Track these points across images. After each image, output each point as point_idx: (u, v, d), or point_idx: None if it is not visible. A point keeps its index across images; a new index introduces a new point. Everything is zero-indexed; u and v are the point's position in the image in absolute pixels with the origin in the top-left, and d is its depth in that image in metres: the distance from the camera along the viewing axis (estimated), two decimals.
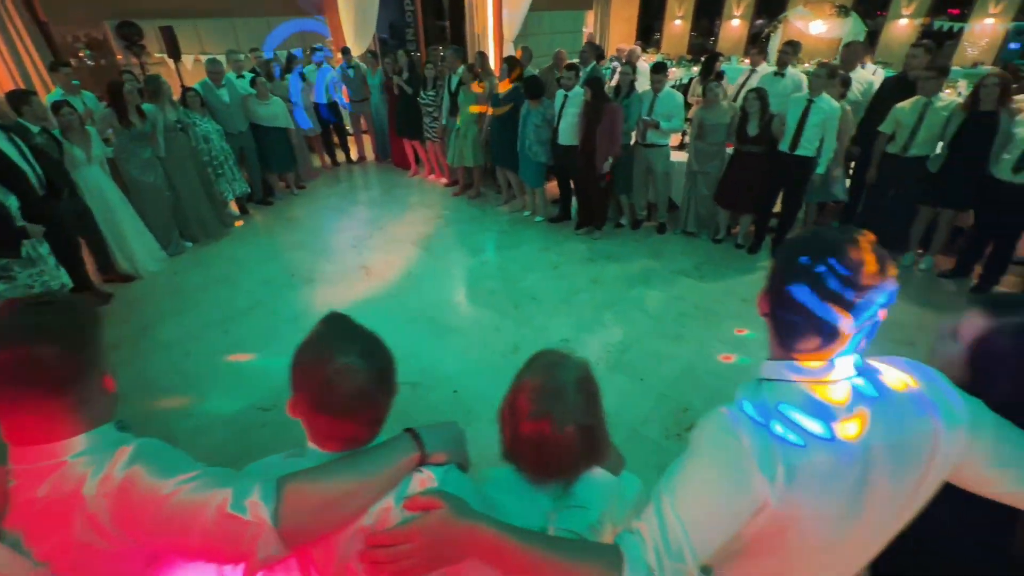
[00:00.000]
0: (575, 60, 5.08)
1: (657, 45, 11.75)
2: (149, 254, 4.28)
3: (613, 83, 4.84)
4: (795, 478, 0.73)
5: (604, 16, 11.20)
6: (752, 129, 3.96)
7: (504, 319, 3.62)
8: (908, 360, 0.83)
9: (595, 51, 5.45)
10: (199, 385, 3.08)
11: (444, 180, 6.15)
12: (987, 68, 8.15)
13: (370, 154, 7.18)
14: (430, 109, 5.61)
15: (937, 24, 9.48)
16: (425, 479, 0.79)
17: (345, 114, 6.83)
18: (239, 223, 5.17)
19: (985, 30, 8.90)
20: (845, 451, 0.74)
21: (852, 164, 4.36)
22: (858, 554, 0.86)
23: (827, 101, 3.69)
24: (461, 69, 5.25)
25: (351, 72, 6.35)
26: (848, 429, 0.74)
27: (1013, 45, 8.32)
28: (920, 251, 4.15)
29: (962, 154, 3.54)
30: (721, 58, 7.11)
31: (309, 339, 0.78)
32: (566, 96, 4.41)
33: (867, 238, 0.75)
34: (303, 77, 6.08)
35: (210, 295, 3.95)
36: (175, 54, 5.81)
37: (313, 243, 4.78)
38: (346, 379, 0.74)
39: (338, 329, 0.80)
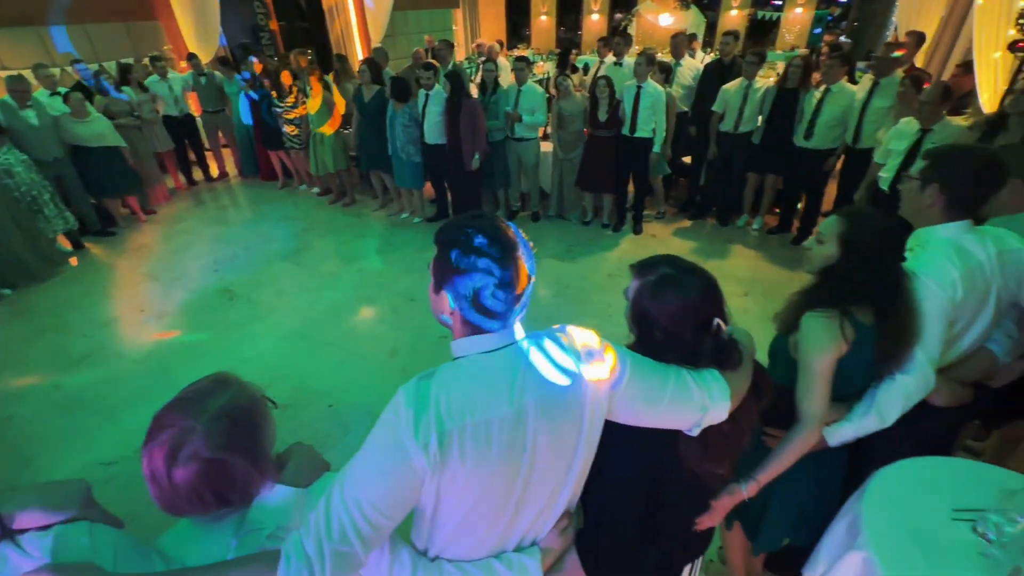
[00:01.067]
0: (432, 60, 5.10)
1: (527, 40, 12.15)
2: None
3: (477, 80, 4.92)
4: (450, 445, 0.75)
5: (472, 14, 11.34)
6: (602, 114, 4.24)
7: (381, 325, 3.56)
8: (563, 326, 0.91)
9: (451, 49, 5.51)
10: (26, 449, 2.66)
11: (317, 190, 5.88)
12: (802, 51, 9.49)
13: (233, 170, 6.65)
14: (290, 118, 5.33)
15: (760, 14, 10.83)
16: (29, 555, 0.67)
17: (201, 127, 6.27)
18: (73, 260, 4.54)
19: (797, 18, 10.33)
20: (498, 414, 0.78)
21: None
22: (552, 500, 0.91)
23: (653, 86, 4.07)
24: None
25: (202, 80, 5.83)
26: (501, 393, 0.79)
27: (817, 30, 9.73)
28: (752, 213, 4.74)
29: (775, 126, 4.11)
30: (575, 52, 7.54)
31: None
32: (427, 95, 4.42)
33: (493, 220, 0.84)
34: (143, 88, 5.48)
35: (36, 347, 3.43)
36: None
37: (167, 273, 4.33)
38: None
39: None
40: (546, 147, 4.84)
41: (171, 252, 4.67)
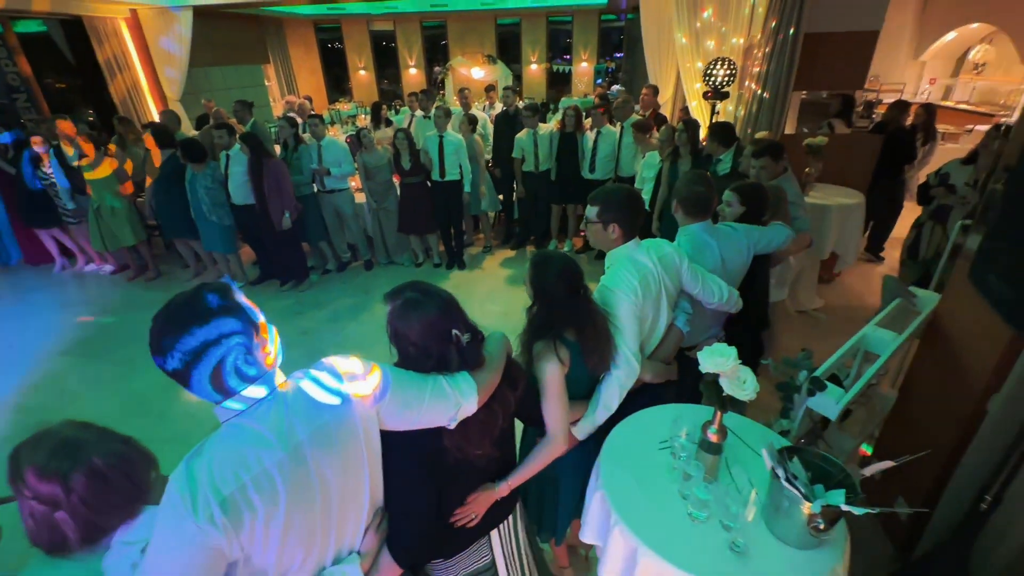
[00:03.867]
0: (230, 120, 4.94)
1: (349, 94, 12.30)
2: None
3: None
4: (236, 507, 0.79)
5: (286, 69, 11.14)
6: (405, 163, 4.53)
7: (200, 405, 3.24)
8: (324, 359, 1.00)
9: (248, 108, 5.39)
10: None
11: (110, 267, 5.13)
12: (592, 97, 11.26)
13: None
14: (57, 189, 4.63)
15: (555, 67, 12.61)
16: None
17: None
18: None
19: (584, 71, 12.24)
20: (274, 460, 0.85)
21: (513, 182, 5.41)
22: (357, 511, 1.01)
23: (452, 135, 4.53)
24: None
25: None
26: (271, 441, 0.85)
27: (599, 80, 11.69)
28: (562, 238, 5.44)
29: (563, 164, 4.84)
30: (396, 102, 7.93)
31: None
32: (228, 156, 4.26)
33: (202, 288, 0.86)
34: None
35: None
36: None
37: None
38: None
39: None
40: (361, 198, 4.95)
41: None
